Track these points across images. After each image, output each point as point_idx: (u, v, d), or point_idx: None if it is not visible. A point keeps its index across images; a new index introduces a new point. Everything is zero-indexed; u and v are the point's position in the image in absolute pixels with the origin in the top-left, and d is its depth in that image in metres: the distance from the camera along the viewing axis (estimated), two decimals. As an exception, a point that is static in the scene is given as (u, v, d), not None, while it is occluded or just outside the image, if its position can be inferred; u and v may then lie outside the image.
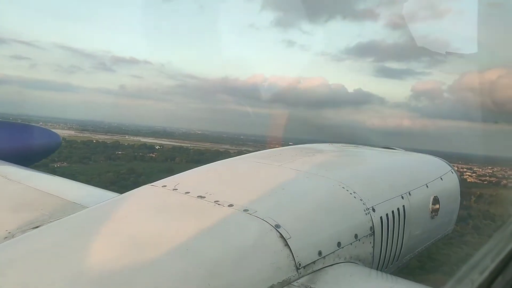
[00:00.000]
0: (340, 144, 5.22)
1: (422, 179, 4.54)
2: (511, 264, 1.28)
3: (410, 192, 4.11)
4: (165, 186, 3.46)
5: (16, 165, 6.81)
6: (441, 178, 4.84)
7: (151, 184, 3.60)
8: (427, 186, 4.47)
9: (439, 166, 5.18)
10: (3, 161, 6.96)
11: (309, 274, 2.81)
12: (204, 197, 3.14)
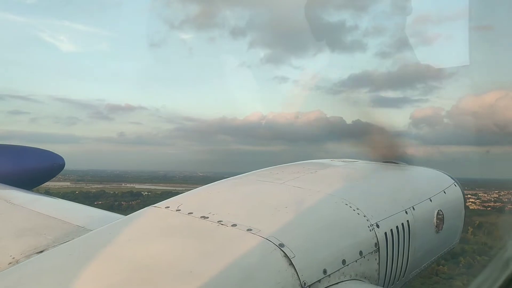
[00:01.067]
0: (342, 159, 5.21)
1: (426, 193, 4.53)
2: None
3: (414, 207, 4.10)
4: (168, 207, 3.46)
5: (19, 189, 6.83)
6: (445, 192, 4.82)
7: (154, 205, 3.60)
8: (430, 200, 4.45)
9: (442, 179, 5.17)
10: (6, 185, 6.98)
11: None
12: (207, 217, 3.14)
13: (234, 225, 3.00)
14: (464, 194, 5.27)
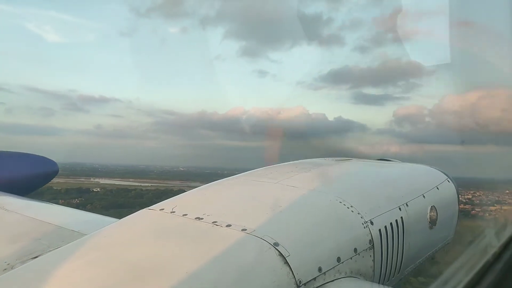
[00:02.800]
0: (335, 158, 5.23)
1: (419, 189, 4.56)
2: (485, 278, 1.29)
3: (407, 203, 4.13)
4: (162, 209, 3.46)
5: (12, 195, 6.79)
6: (438, 188, 4.86)
7: (148, 208, 3.61)
8: (424, 196, 4.48)
9: (435, 175, 5.21)
10: None
11: None
12: (202, 219, 3.15)
13: (228, 225, 3.01)
14: (457, 190, 5.31)
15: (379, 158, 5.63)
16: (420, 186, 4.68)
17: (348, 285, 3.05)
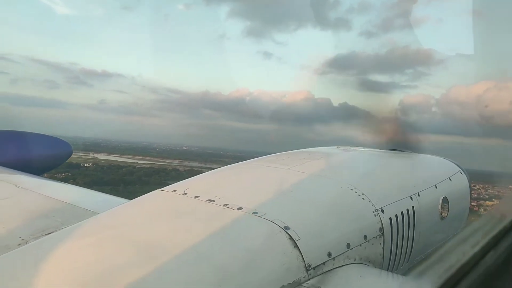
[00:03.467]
0: (348, 147, 5.22)
1: (431, 180, 4.54)
2: (503, 241, 1.30)
3: (419, 193, 4.11)
4: (174, 190, 3.50)
5: (27, 174, 6.92)
6: (450, 179, 4.83)
7: (160, 189, 3.64)
8: (436, 187, 4.46)
9: (447, 167, 5.17)
10: (15, 170, 7.07)
11: (319, 275, 2.82)
12: (213, 201, 3.17)
13: (240, 208, 3.03)
14: (470, 182, 5.27)
15: (391, 148, 5.59)
16: (433, 176, 4.65)
17: (357, 271, 3.06)
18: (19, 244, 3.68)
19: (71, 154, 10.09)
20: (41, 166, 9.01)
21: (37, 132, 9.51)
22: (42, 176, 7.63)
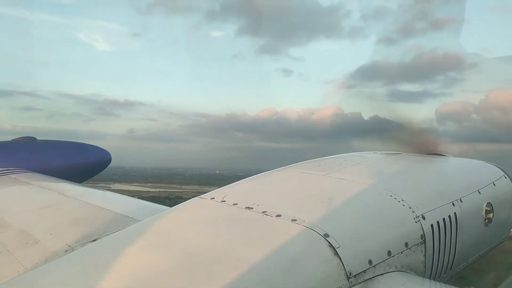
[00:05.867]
0: (385, 152, 5.14)
1: (474, 185, 4.40)
2: None
3: (462, 199, 4.00)
4: (213, 198, 3.55)
5: (70, 182, 7.20)
6: (494, 184, 4.66)
7: (199, 197, 3.71)
8: (479, 192, 4.32)
9: (491, 171, 5.00)
10: (58, 179, 7.38)
11: (360, 283, 2.79)
12: (252, 208, 3.20)
13: (278, 215, 3.04)
14: None
15: (431, 153, 5.46)
16: (476, 181, 4.51)
17: (399, 279, 3.00)
18: (66, 250, 3.83)
19: (110, 161, 10.43)
20: (83, 173, 9.37)
21: (78, 142, 9.90)
22: (84, 184, 7.91)
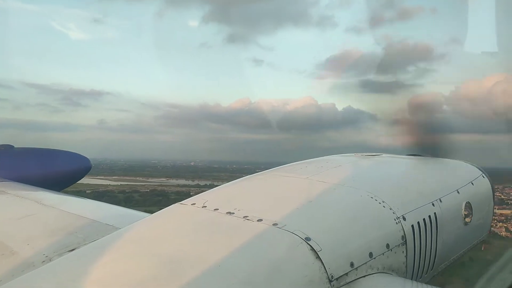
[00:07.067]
0: (365, 154, 5.18)
1: (453, 185, 4.46)
2: None
3: (441, 199, 4.05)
4: (194, 204, 3.52)
5: (49, 190, 7.05)
6: (472, 183, 4.74)
7: (180, 202, 3.67)
8: (458, 192, 4.38)
9: (469, 170, 5.08)
10: (36, 187, 7.22)
11: (342, 286, 2.79)
12: (233, 213, 3.18)
13: (259, 220, 3.02)
14: (492, 186, 5.17)
15: (409, 154, 5.53)
16: (454, 181, 4.58)
17: (381, 280, 3.02)
18: (43, 261, 3.74)
19: (90, 168, 10.27)
20: (62, 181, 9.19)
21: (56, 149, 9.72)
22: (63, 192, 7.76)
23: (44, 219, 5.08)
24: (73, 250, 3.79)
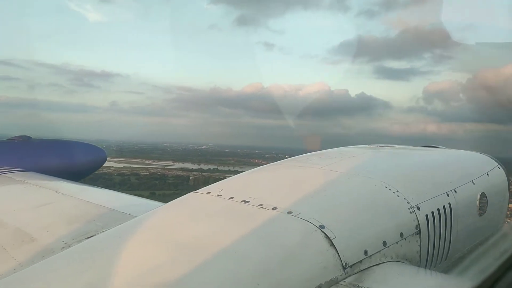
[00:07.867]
0: (379, 145, 5.17)
1: (468, 175, 4.43)
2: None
3: (456, 189, 4.03)
4: (209, 192, 3.57)
5: (66, 180, 7.19)
6: (488, 174, 4.71)
7: (195, 191, 3.72)
8: (473, 183, 4.36)
9: (484, 162, 5.04)
10: (55, 177, 7.35)
11: (355, 273, 2.82)
12: (248, 202, 3.22)
13: (274, 208, 3.06)
14: (508, 177, 5.12)
15: (425, 145, 5.50)
16: (470, 172, 4.55)
17: (394, 269, 3.03)
18: (63, 248, 3.83)
19: (106, 159, 10.42)
20: (79, 172, 9.35)
21: (73, 140, 9.87)
22: (80, 182, 7.90)
23: (62, 208, 5.20)
24: (91, 237, 3.88)
